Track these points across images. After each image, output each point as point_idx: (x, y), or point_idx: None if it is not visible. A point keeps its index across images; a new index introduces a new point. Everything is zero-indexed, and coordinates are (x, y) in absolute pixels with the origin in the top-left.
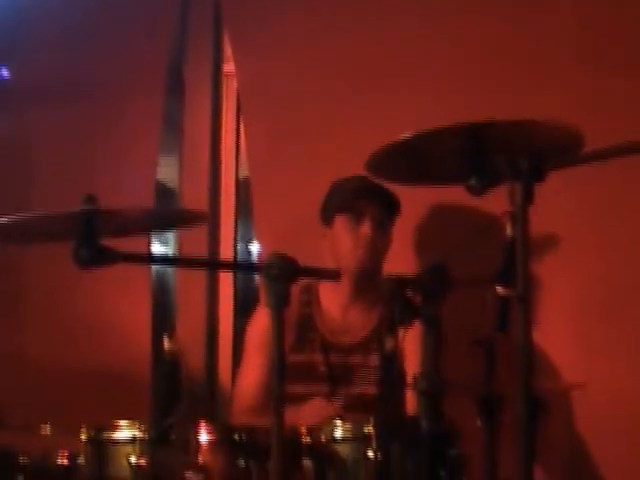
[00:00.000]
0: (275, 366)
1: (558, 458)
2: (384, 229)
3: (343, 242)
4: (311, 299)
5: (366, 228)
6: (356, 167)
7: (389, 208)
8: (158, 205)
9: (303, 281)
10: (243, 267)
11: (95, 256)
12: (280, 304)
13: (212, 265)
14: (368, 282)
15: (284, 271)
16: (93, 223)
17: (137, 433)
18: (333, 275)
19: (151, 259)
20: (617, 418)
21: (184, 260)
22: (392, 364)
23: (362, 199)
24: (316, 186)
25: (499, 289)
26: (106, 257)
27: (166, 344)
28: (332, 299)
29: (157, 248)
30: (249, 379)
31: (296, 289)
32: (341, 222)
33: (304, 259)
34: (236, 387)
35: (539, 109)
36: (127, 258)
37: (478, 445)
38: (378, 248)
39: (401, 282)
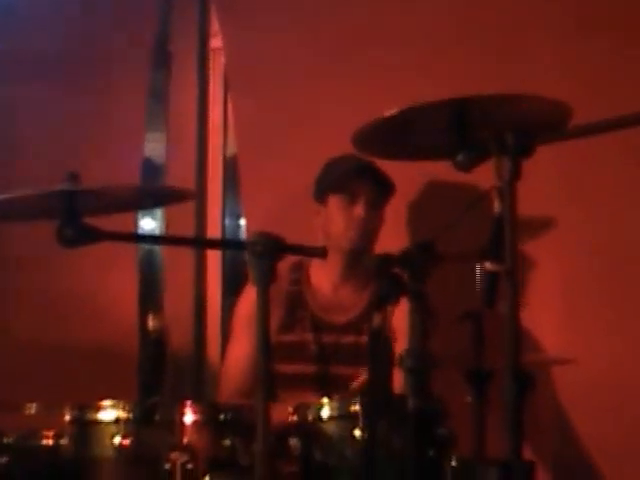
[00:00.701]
0: (260, 344)
1: (545, 435)
2: (377, 209)
3: (336, 222)
4: (301, 277)
5: (359, 209)
6: (345, 144)
7: (383, 189)
8: (145, 182)
9: (293, 259)
10: (231, 244)
11: (79, 235)
12: (265, 281)
13: (199, 242)
14: (360, 261)
15: (269, 248)
16: (76, 202)
17: (121, 413)
18: (319, 252)
19: (137, 237)
20: (604, 394)
21: (171, 238)
22: (379, 341)
23: (356, 180)
24: (305, 163)
25: (487, 264)
26: (90, 236)
27: (151, 322)
28: (323, 277)
29: (148, 224)
30: (238, 357)
31: (286, 267)
32: (334, 202)
33: (292, 237)
34: (225, 365)
35: (527, 82)
36: (113, 236)
37: (467, 422)
38: (370, 228)
39: (387, 259)
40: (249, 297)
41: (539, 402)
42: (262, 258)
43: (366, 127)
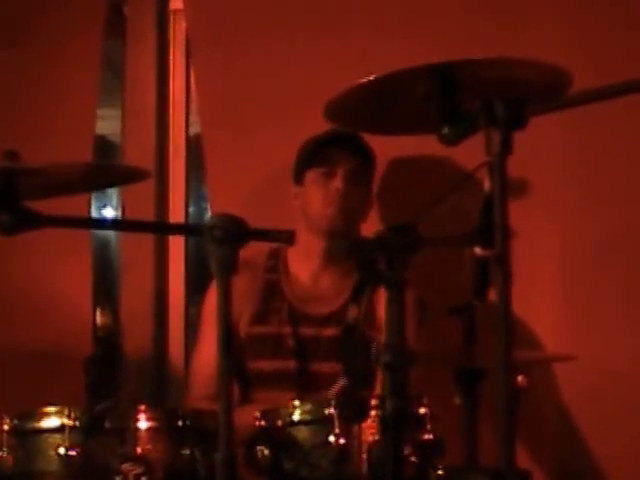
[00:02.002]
0: (222, 343)
1: (545, 437)
2: (358, 184)
3: (313, 200)
4: (278, 265)
5: (337, 182)
6: (320, 118)
7: (364, 158)
8: (97, 160)
9: (271, 245)
10: (195, 230)
11: (17, 220)
12: (226, 271)
13: (160, 228)
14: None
15: (229, 233)
16: (14, 183)
17: (66, 420)
18: (286, 238)
19: (85, 222)
20: (607, 392)
21: (128, 223)
22: (354, 336)
23: (332, 149)
24: (278, 141)
25: (476, 250)
26: (30, 221)
27: (99, 319)
28: (302, 265)
29: (108, 213)
30: (207, 357)
31: (262, 254)
32: (311, 178)
33: (265, 222)
34: (192, 366)
35: (520, 46)
36: (56, 221)
37: (455, 426)
38: (352, 206)
39: (360, 244)
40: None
41: (540, 403)
42: (222, 244)
43: (340, 97)
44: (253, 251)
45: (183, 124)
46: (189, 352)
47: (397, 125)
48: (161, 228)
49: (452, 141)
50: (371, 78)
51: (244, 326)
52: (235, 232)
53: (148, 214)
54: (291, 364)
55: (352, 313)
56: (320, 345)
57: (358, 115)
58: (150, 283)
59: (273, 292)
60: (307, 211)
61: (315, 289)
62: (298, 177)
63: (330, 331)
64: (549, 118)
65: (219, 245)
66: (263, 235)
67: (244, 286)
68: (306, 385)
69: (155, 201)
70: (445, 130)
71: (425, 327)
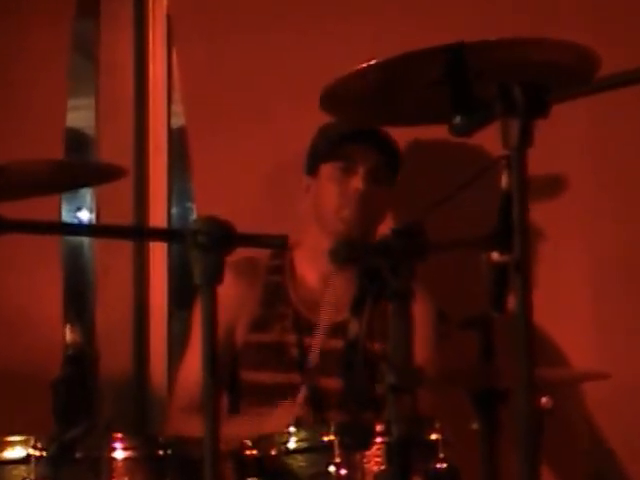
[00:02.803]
0: (205, 357)
1: (575, 463)
2: (380, 184)
3: (328, 198)
4: (283, 265)
5: (357, 181)
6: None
7: (389, 157)
8: (68, 157)
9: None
10: (177, 235)
11: None
12: (211, 279)
13: (139, 233)
14: None
15: (215, 238)
16: None
17: (32, 451)
18: (278, 243)
19: (59, 227)
20: None
21: (103, 228)
22: (356, 353)
23: (354, 144)
24: (270, 135)
25: (494, 255)
26: None
27: (68, 335)
28: (310, 267)
29: (84, 216)
30: (196, 366)
31: (266, 252)
32: (326, 172)
33: (256, 224)
34: (179, 375)
35: (543, 26)
36: (23, 226)
37: (473, 453)
38: (372, 209)
39: (360, 248)
40: (218, 291)
41: (567, 426)
42: (207, 250)
43: (338, 85)
44: (255, 249)
45: (165, 115)
46: (172, 372)
47: (403, 115)
48: (140, 233)
49: (465, 132)
50: (372, 63)
51: (242, 332)
52: (221, 237)
53: (126, 217)
54: (293, 377)
55: (353, 328)
56: (327, 358)
57: (358, 105)
58: (129, 294)
59: (276, 296)
60: (320, 209)
61: (324, 294)
62: (312, 168)
63: (339, 343)
64: (574, 106)
65: (203, 252)
66: (253, 240)
67: (244, 288)
68: (310, 401)
69: (134, 202)
70: (457, 120)
71: (447, 343)
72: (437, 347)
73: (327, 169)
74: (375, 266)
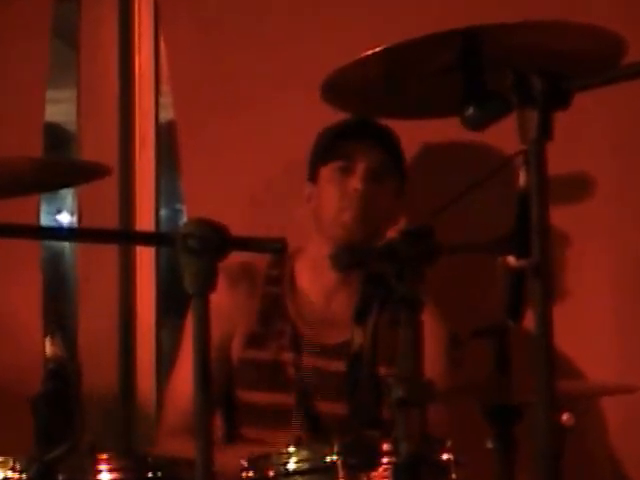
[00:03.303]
0: (197, 373)
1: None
2: (383, 182)
3: (327, 201)
4: (283, 275)
5: (355, 181)
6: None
7: (391, 152)
8: (47, 155)
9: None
10: (165, 239)
11: None
12: (203, 288)
13: (125, 237)
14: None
15: (207, 242)
16: None
17: (11, 473)
18: (276, 247)
19: (38, 231)
20: None
21: (85, 232)
22: (360, 367)
23: (351, 140)
24: (267, 129)
25: (511, 259)
26: None
27: (48, 349)
28: (311, 279)
29: (64, 218)
30: (186, 380)
31: (264, 260)
32: (325, 174)
33: (252, 227)
34: (168, 390)
35: (565, 9)
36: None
37: (487, 474)
38: (375, 211)
39: (363, 252)
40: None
41: (589, 444)
42: (198, 256)
43: (341, 74)
44: (253, 256)
45: (152, 108)
46: (161, 388)
47: (411, 108)
48: (125, 237)
49: (478, 124)
50: (378, 50)
51: (237, 348)
52: (214, 241)
53: (110, 220)
54: (290, 399)
55: (357, 338)
56: (327, 380)
57: (362, 96)
58: (114, 303)
59: (274, 309)
60: (320, 215)
61: (327, 310)
62: (312, 173)
63: (341, 365)
64: (598, 96)
65: (195, 257)
66: (249, 244)
67: (239, 299)
68: (307, 426)
69: (119, 204)
70: (470, 111)
71: (459, 370)
72: (448, 374)
73: (326, 171)
74: (380, 271)
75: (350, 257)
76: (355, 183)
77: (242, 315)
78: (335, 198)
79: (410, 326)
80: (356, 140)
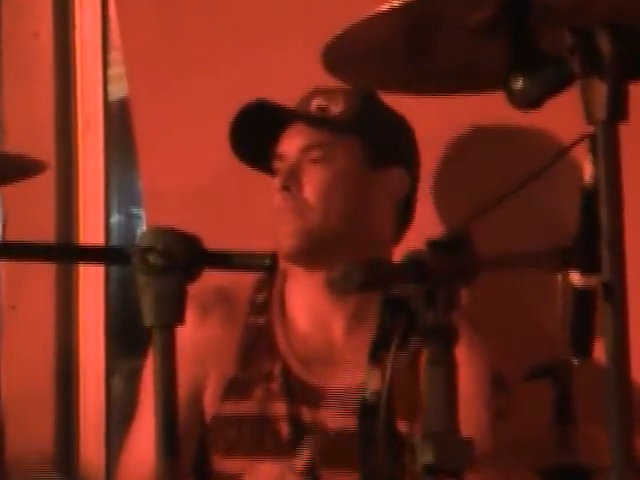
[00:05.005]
0: (159, 436)
1: None
2: (328, 161)
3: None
4: (271, 301)
5: (276, 183)
6: (315, 69)
7: (327, 128)
8: None
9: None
10: (117, 256)
11: None
12: (166, 319)
13: (63, 253)
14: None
15: (173, 258)
16: None
17: None
18: (263, 263)
19: None
20: None
21: (11, 247)
22: (375, 420)
23: (276, 134)
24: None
25: (575, 277)
26: None
27: None
28: (304, 305)
29: None
30: (145, 446)
31: (248, 281)
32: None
33: (230, 237)
34: (122, 459)
35: None
36: None
37: None
38: (314, 213)
39: (379, 268)
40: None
41: None
42: (161, 277)
43: (347, 36)
44: (232, 278)
45: (99, 84)
46: (112, 454)
47: (441, 80)
48: (65, 253)
49: (529, 101)
50: (397, 4)
51: (212, 400)
52: (182, 257)
53: (46, 230)
54: (283, 468)
55: (372, 382)
56: (332, 439)
57: (376, 64)
58: (49, 340)
59: (260, 345)
60: None
61: (329, 344)
62: None
63: (351, 419)
64: None
65: (156, 278)
66: (228, 260)
67: (214, 334)
68: None
69: (56, 208)
70: (519, 83)
71: (506, 422)
72: (490, 426)
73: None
74: (401, 295)
75: (351, 279)
76: (277, 183)
77: (218, 355)
78: (273, 213)
79: (441, 365)
80: (280, 131)
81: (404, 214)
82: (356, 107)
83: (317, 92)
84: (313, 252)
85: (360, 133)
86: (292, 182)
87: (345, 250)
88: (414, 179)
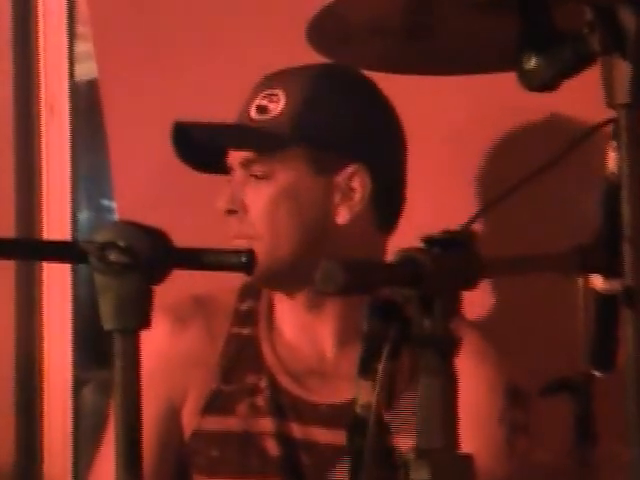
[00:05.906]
0: (121, 443)
1: None
2: (269, 176)
3: None
4: (257, 310)
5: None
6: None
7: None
8: None
9: (244, 276)
10: (75, 253)
11: None
12: (128, 322)
13: (21, 250)
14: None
15: (140, 257)
16: None
17: None
18: (242, 262)
19: None
20: None
21: None
22: (365, 436)
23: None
24: (231, 86)
25: (596, 281)
26: None
27: None
28: (291, 314)
29: None
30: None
31: (231, 289)
32: None
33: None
34: (92, 474)
35: None
36: None
37: None
38: (255, 235)
39: (365, 268)
40: (149, 350)
41: None
42: (125, 278)
43: (336, 9)
44: (214, 284)
45: (65, 62)
46: (81, 466)
47: (445, 59)
48: (22, 250)
49: (544, 82)
50: None
51: (191, 416)
52: (147, 254)
53: (5, 225)
54: None
55: (362, 395)
56: (324, 457)
57: (370, 42)
58: (8, 348)
59: (245, 357)
60: None
61: (319, 357)
62: None
63: (342, 435)
64: None
65: (117, 278)
66: (200, 258)
67: (193, 345)
68: None
69: (16, 201)
70: (532, 62)
71: (522, 439)
72: (506, 434)
73: None
74: (393, 299)
75: (339, 280)
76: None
77: (197, 368)
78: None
79: (438, 377)
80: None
81: (387, 203)
82: (297, 103)
83: (261, 86)
84: (277, 277)
85: (301, 139)
86: (236, 204)
87: (315, 264)
88: (384, 167)
